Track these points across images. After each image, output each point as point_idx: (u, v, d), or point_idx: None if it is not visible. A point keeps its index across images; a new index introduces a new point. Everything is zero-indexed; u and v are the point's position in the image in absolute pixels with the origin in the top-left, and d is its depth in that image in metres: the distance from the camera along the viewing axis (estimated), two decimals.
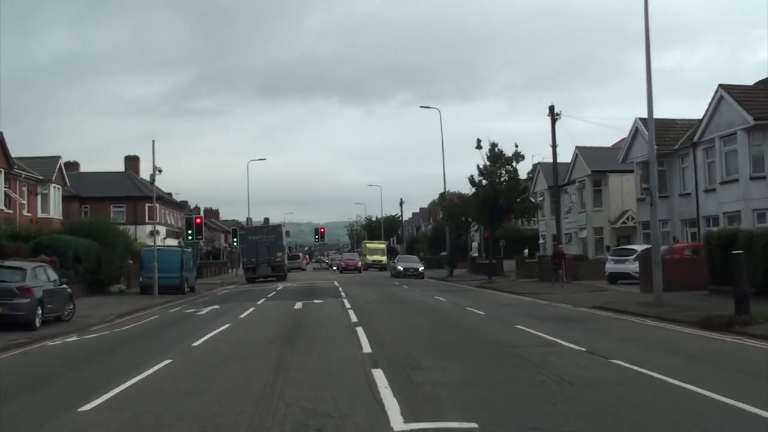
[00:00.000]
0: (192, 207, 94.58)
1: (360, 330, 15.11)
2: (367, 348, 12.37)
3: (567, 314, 19.33)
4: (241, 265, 67.75)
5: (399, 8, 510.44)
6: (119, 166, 69.46)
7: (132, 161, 66.51)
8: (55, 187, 41.55)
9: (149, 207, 63.72)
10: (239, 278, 59.86)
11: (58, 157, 41.95)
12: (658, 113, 23.91)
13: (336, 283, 38.83)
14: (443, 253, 71.76)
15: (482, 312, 19.89)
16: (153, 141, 31.42)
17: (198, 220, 45.24)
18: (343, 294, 28.99)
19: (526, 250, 49.01)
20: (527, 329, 15.06)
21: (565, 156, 44.98)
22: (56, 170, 41.11)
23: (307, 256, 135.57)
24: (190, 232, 44.54)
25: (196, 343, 13.92)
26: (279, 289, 36.66)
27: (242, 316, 20.48)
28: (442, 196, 46.05)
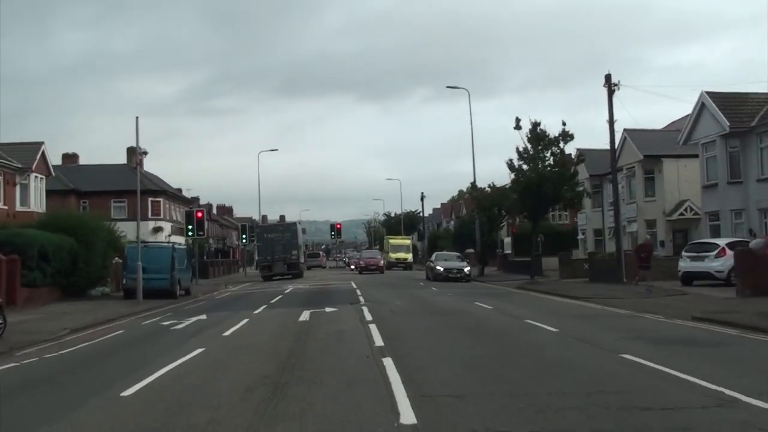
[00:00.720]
0: (203, 204, 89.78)
1: (389, 365, 9.71)
2: (407, 413, 6.95)
3: (677, 333, 13.74)
4: (254, 264, 63.13)
5: (417, 6, 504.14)
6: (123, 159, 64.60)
7: (134, 153, 61.53)
8: (37, 176, 36.57)
9: (153, 201, 59.02)
10: (251, 277, 54.86)
11: (40, 144, 36.91)
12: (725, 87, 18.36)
13: (353, 285, 33.49)
14: (469, 250, 66.23)
15: (553, 328, 14.37)
16: (137, 118, 26.30)
17: (199, 214, 40.13)
18: (361, 299, 23.62)
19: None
20: (648, 363, 9.55)
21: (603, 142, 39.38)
22: (38, 157, 36.10)
23: (324, 255, 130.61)
24: (190, 227, 39.47)
25: (125, 393, 8.59)
26: (287, 291, 31.40)
27: (227, 333, 15.14)
28: (473, 186, 40.55)
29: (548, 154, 32.03)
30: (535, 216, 33.82)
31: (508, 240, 47.24)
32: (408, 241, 64.60)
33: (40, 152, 36.48)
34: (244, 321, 17.72)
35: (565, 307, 20.40)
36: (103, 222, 31.93)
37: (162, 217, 58.27)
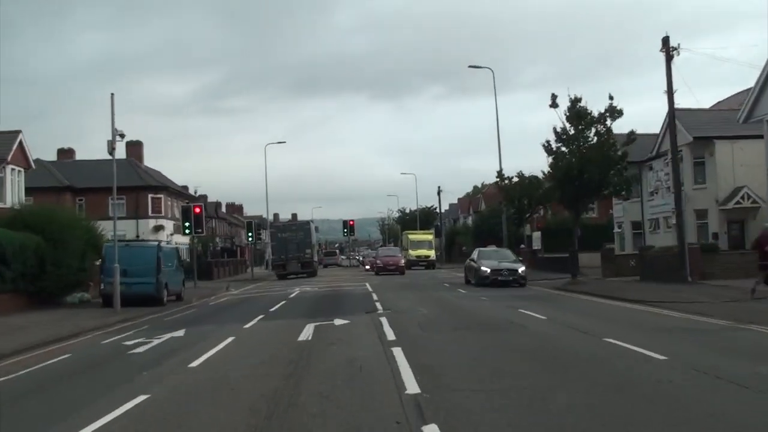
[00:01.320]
0: (211, 202, 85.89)
1: None
2: None
3: None
4: (265, 263, 59.15)
5: (429, 3, 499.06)
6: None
7: (135, 147, 57.56)
8: (14, 169, 32.51)
9: (153, 198, 55.06)
10: (259, 277, 50.85)
11: (17, 132, 32.81)
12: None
13: (368, 287, 29.23)
14: (491, 247, 61.87)
15: (658, 355, 9.94)
16: (112, 95, 22.11)
17: (197, 210, 35.97)
18: (379, 307, 19.33)
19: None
20: None
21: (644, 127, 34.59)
22: (14, 148, 32.02)
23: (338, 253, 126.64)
24: (187, 224, 35.40)
25: None
26: (293, 295, 27.23)
27: (195, 363, 10.83)
28: (500, 175, 36.15)
29: (591, 134, 27.57)
30: (576, 206, 29.28)
31: (536, 235, 42.77)
32: (430, 236, 57.08)
33: (17, 142, 32.40)
34: (228, 340, 13.49)
35: (636, 315, 16.02)
36: (81, 218, 27.77)
37: (163, 214, 54.35)
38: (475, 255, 31.56)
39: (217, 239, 69.34)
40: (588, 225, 49.49)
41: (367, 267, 53.76)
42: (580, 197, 28.42)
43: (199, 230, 36.10)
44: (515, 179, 36.44)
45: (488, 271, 27.98)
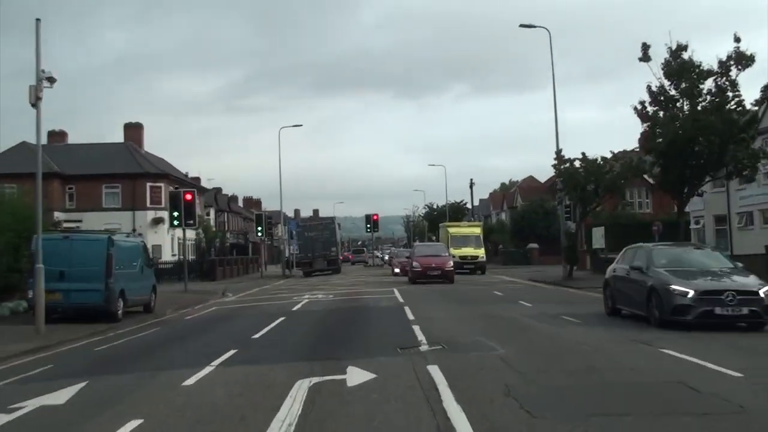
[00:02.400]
0: (224, 194, 79.35)
1: None
2: None
3: None
4: (283, 262, 52.66)
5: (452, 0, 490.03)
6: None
7: (134, 130, 51.00)
8: None
9: (152, 187, 48.34)
10: (268, 278, 44.14)
11: None
12: None
13: (398, 297, 22.04)
14: (531, 245, 54.37)
15: None
16: (37, 20, 15.25)
17: (188, 196, 29.04)
18: (420, 337, 12.06)
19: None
20: None
21: None
22: None
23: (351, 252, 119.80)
24: (176, 213, 28.58)
25: None
26: (296, 308, 20.14)
27: None
28: (559, 156, 28.72)
29: (703, 91, 20.11)
30: (681, 188, 21.72)
31: (598, 231, 35.23)
32: (477, 230, 43.90)
33: None
34: (134, 425, 6.45)
35: None
36: (12, 200, 20.91)
37: (164, 206, 47.60)
38: (638, 258, 14.71)
39: (228, 234, 62.68)
40: (624, 224, 40.70)
41: (397, 270, 40.20)
42: (692, 177, 20.90)
43: (191, 221, 29.20)
44: (576, 163, 28.99)
45: (692, 295, 12.51)
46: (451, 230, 43.53)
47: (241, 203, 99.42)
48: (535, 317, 15.43)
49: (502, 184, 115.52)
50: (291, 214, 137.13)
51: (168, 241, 48.08)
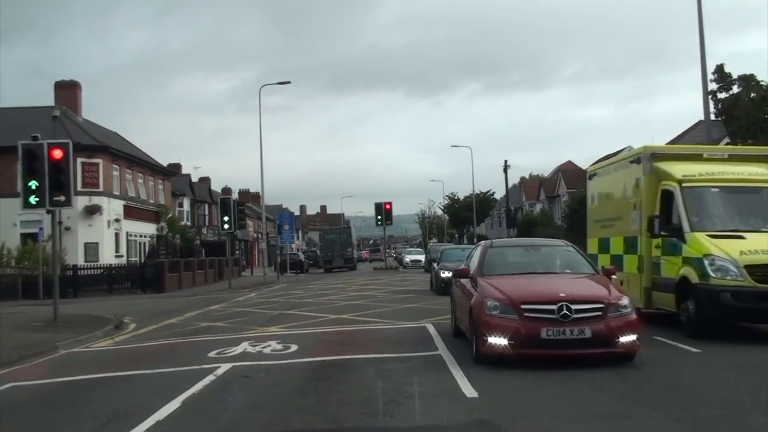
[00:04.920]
0: (221, 190, 66.35)
1: None
2: None
3: None
4: (275, 264, 41.66)
5: None
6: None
7: (68, 91, 37.81)
8: None
9: (85, 164, 35.16)
10: (245, 287, 31.15)
11: None
12: None
13: (435, 338, 9.76)
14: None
15: None
16: None
17: (56, 154, 15.87)
18: None
19: None
20: None
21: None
22: None
23: (368, 251, 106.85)
24: (33, 185, 15.82)
25: None
26: (218, 376, 6.86)
27: None
28: (723, 73, 15.49)
29: None
30: None
31: None
32: None
33: None
34: None
35: None
36: None
37: (102, 190, 34.54)
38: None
39: (206, 230, 49.60)
40: None
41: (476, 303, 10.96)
42: None
43: (60, 197, 15.95)
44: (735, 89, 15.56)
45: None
46: (689, 170, 11.98)
47: (236, 196, 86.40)
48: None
49: (522, 178, 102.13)
50: (297, 211, 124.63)
51: (109, 238, 35.02)
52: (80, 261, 31.91)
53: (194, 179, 61.45)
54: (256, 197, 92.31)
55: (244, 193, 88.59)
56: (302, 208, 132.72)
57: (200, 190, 54.75)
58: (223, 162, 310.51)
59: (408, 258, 54.25)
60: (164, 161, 53.87)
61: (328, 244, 54.71)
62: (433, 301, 18.39)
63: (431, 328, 12.31)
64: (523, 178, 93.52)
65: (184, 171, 57.97)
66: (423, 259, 47.35)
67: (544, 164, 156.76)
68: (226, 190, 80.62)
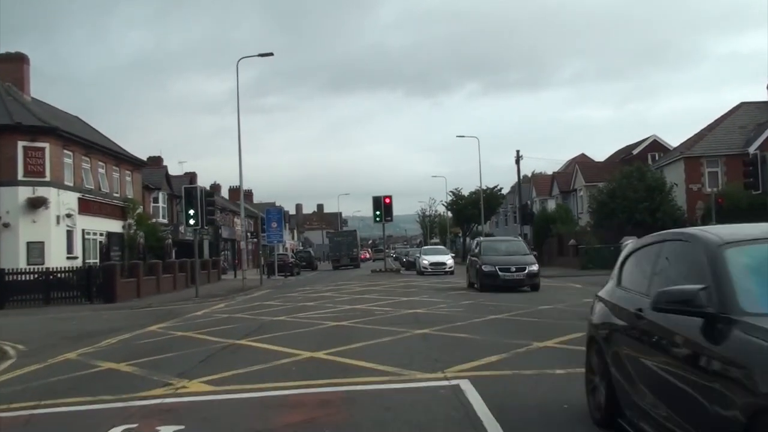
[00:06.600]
0: (205, 185, 60.50)
1: None
2: None
3: None
4: (261, 267, 35.49)
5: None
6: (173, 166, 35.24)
7: (11, 64, 31.97)
8: None
9: (27, 149, 29.20)
10: (216, 297, 25.49)
11: None
12: None
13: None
14: (628, 239, 35.32)
15: None
16: None
17: None
18: None
19: None
20: None
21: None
22: None
23: (368, 251, 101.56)
24: None
25: None
26: None
27: None
28: None
29: None
30: None
31: None
32: None
33: None
34: None
35: None
36: None
37: (49, 179, 28.74)
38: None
39: (183, 228, 43.87)
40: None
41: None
42: None
43: None
44: None
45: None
46: None
47: (225, 194, 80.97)
48: None
49: (525, 176, 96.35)
50: (292, 210, 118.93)
51: (59, 236, 29.21)
52: (21, 264, 26.24)
53: (180, 174, 55.95)
54: (248, 195, 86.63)
55: (235, 191, 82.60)
56: (298, 207, 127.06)
57: (180, 184, 48.86)
58: (224, 162, 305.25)
59: (426, 260, 37.19)
60: (165, 161, 48.57)
61: (337, 245, 61.91)
62: (465, 316, 12.63)
63: (472, 396, 6.52)
64: (534, 173, 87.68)
65: (173, 170, 52.49)
66: (449, 263, 36.51)
67: (544, 164, 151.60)
68: (215, 187, 74.99)
